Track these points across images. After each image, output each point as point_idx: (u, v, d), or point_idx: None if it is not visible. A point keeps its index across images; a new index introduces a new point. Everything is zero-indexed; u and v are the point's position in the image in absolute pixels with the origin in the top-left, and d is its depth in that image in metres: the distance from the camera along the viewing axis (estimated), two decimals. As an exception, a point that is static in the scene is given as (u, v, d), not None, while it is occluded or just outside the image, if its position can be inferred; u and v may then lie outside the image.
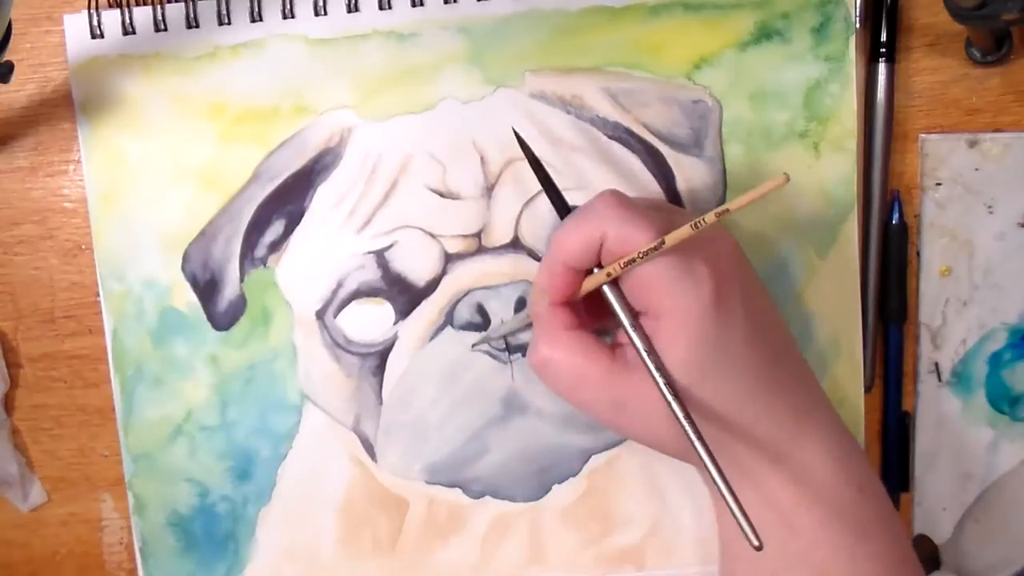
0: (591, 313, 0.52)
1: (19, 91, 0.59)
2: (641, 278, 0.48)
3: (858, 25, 0.57)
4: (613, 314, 0.50)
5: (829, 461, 0.50)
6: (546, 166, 0.53)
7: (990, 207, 0.58)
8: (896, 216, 0.58)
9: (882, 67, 0.57)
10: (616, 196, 0.49)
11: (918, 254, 0.58)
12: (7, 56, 0.52)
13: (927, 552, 0.59)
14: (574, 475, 0.59)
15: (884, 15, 0.57)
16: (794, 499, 0.49)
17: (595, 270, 0.50)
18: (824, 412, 0.51)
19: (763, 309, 0.51)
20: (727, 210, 0.46)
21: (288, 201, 0.58)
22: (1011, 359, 0.58)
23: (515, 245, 0.58)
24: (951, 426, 0.59)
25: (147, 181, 0.58)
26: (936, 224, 0.58)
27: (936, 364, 0.59)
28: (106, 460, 0.61)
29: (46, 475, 0.61)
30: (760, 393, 0.49)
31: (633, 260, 0.48)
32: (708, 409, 0.48)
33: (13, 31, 0.52)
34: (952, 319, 0.58)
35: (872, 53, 0.57)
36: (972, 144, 0.57)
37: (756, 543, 0.44)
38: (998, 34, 0.56)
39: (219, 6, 0.57)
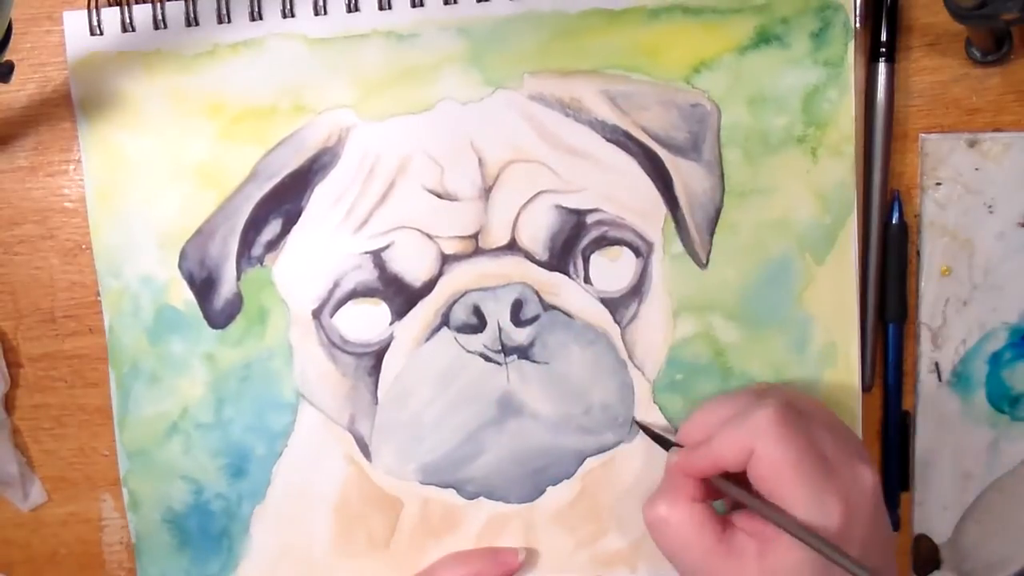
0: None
1: (19, 91, 0.59)
2: (774, 494, 0.48)
3: (858, 25, 0.57)
4: (742, 501, 0.50)
5: None
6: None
7: (990, 207, 0.57)
8: (896, 216, 0.58)
9: (882, 67, 0.57)
10: (778, 411, 0.49)
11: (918, 254, 0.58)
12: (7, 56, 0.53)
13: (927, 552, 0.59)
14: (568, 477, 0.59)
15: (884, 15, 0.57)
16: None
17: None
18: None
19: (881, 533, 0.51)
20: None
21: (286, 200, 0.58)
22: (1011, 359, 0.58)
23: (512, 247, 0.58)
24: (951, 426, 0.58)
25: (145, 178, 0.58)
26: (936, 224, 0.58)
27: (936, 364, 0.58)
28: (106, 460, 0.61)
29: (46, 475, 0.61)
30: None
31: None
32: None
33: (13, 31, 0.52)
34: (952, 319, 0.58)
35: (872, 53, 0.57)
36: (972, 144, 0.57)
37: None
38: (998, 34, 0.56)
39: (219, 4, 0.57)
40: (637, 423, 0.58)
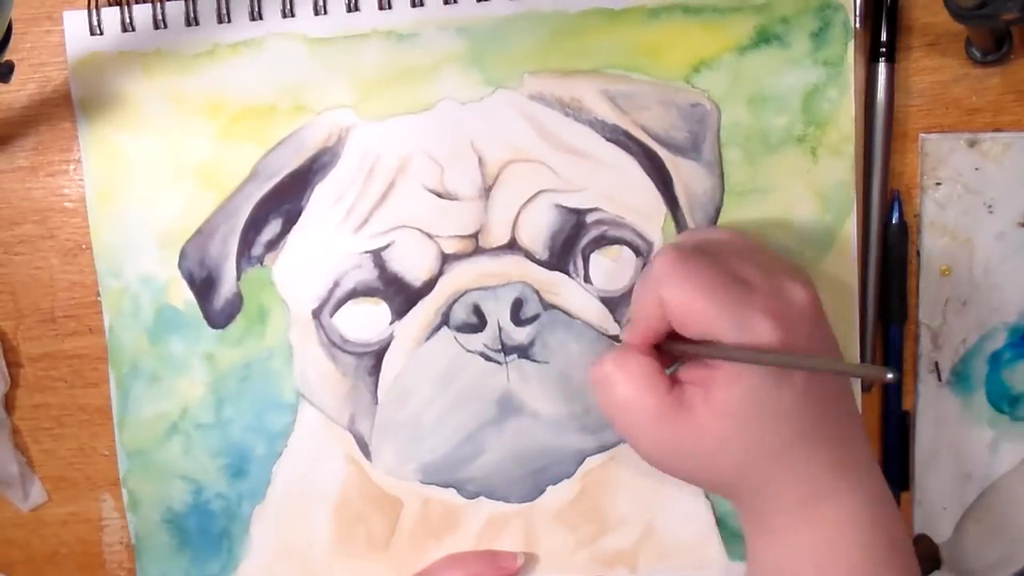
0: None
1: (19, 91, 0.59)
2: (700, 333, 0.48)
3: (858, 25, 0.57)
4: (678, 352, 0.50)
5: (863, 517, 0.49)
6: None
7: (990, 207, 0.57)
8: (896, 216, 0.58)
9: (882, 67, 0.57)
10: (671, 254, 0.49)
11: (918, 254, 0.58)
12: (7, 56, 0.53)
13: (927, 552, 0.59)
14: (568, 476, 0.59)
15: (884, 15, 0.57)
16: (825, 553, 0.49)
17: None
18: (865, 470, 0.51)
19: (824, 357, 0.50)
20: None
21: (285, 200, 0.58)
22: (1011, 359, 0.58)
23: (512, 246, 0.58)
24: (951, 426, 0.58)
25: (145, 178, 0.58)
26: (936, 224, 0.58)
27: (936, 364, 0.58)
28: (106, 460, 0.61)
29: (46, 475, 0.61)
30: (800, 446, 0.49)
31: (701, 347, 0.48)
32: (746, 455, 0.48)
33: (13, 31, 0.52)
34: (952, 319, 0.58)
35: (872, 53, 0.57)
36: (972, 144, 0.57)
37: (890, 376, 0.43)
38: (998, 34, 0.56)
39: (219, 4, 0.57)
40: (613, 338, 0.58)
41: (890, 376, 0.42)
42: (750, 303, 0.47)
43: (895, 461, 0.59)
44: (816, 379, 0.48)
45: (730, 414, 0.48)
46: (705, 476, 0.51)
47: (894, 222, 0.58)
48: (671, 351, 0.51)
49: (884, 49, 0.57)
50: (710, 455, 0.49)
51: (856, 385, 0.57)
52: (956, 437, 0.58)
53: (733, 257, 0.50)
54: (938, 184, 0.58)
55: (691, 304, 0.48)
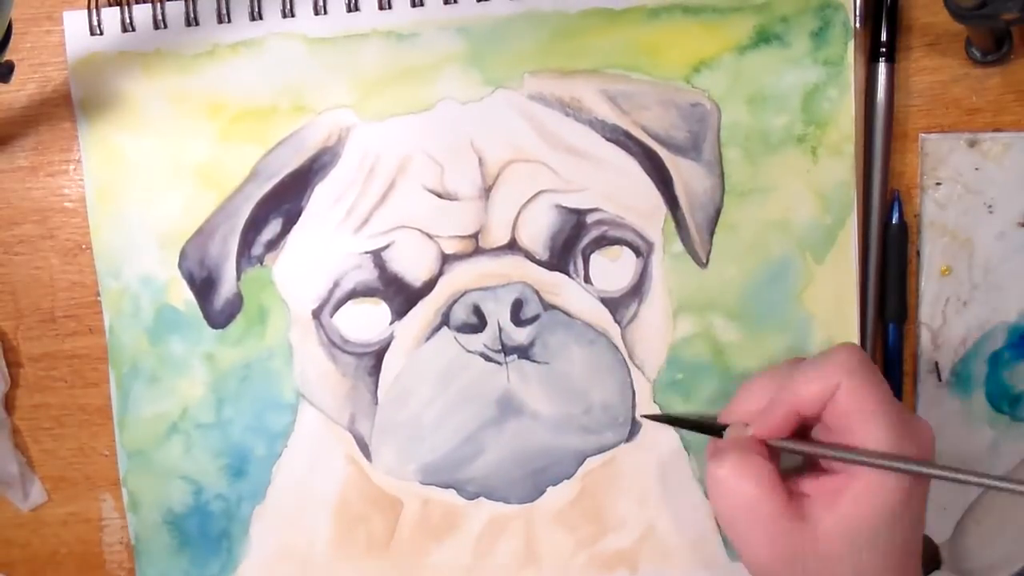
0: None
1: (19, 91, 0.59)
2: (852, 434, 0.48)
3: (858, 25, 0.57)
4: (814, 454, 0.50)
5: None
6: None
7: (990, 207, 0.57)
8: (896, 216, 0.58)
9: (882, 67, 0.57)
10: (859, 350, 0.49)
11: (918, 254, 0.58)
12: (7, 56, 0.53)
13: (927, 552, 0.59)
14: (568, 477, 0.59)
15: (884, 15, 0.57)
16: None
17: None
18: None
19: (923, 509, 0.50)
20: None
21: (286, 200, 0.58)
22: (1011, 359, 0.58)
23: (512, 246, 0.58)
24: (951, 426, 0.58)
25: (145, 178, 0.58)
26: (936, 224, 0.58)
27: (936, 364, 0.58)
28: (106, 460, 0.61)
29: (46, 475, 0.61)
30: (903, 565, 0.49)
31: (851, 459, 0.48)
32: (860, 571, 0.48)
33: (13, 31, 0.52)
34: (952, 319, 0.58)
35: (872, 53, 0.57)
36: (972, 144, 0.57)
37: None
38: (998, 34, 0.56)
39: (219, 4, 0.57)
40: (667, 419, 0.57)
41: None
42: (908, 430, 0.48)
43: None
44: (922, 510, 0.49)
45: (853, 533, 0.48)
46: None
47: (894, 222, 0.58)
48: (789, 449, 0.50)
49: (884, 49, 0.57)
50: (827, 567, 0.48)
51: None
52: (956, 437, 0.58)
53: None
54: (938, 184, 0.57)
55: (868, 403, 0.48)
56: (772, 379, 0.52)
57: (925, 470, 0.46)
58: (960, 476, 0.46)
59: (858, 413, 0.48)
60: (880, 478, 0.47)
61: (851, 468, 0.48)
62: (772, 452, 0.51)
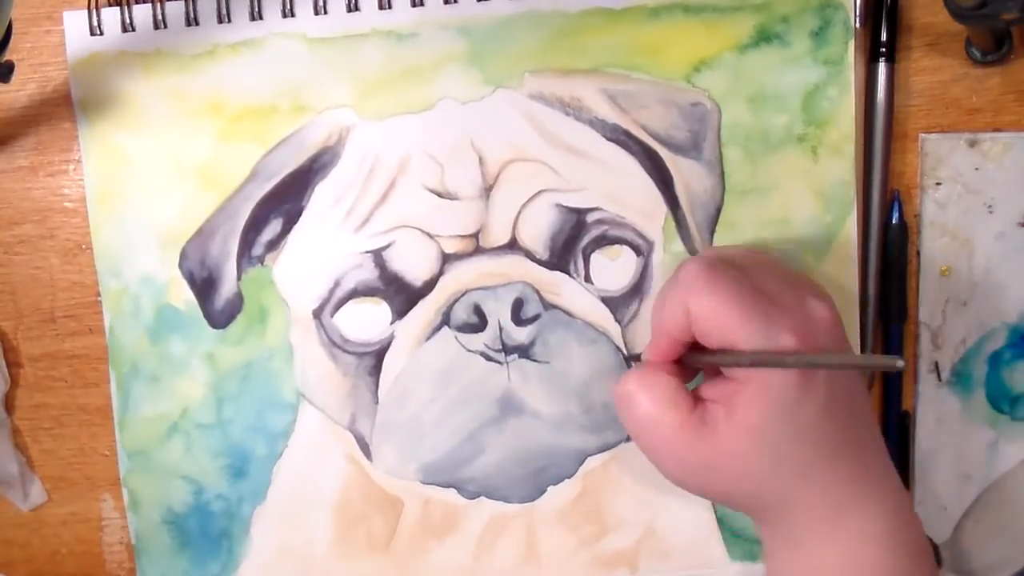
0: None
1: (19, 91, 0.59)
2: (729, 340, 0.48)
3: (858, 25, 0.57)
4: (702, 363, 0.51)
5: (886, 528, 0.49)
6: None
7: (990, 207, 0.57)
8: (896, 216, 0.58)
9: (882, 67, 0.57)
10: (699, 263, 0.49)
11: (918, 254, 0.58)
12: (7, 56, 0.53)
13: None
14: (569, 476, 0.59)
15: (884, 15, 0.57)
16: (849, 565, 0.49)
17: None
18: (886, 480, 0.51)
19: (848, 380, 0.50)
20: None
21: (286, 200, 0.58)
22: (1011, 359, 0.58)
23: (512, 246, 0.58)
24: (951, 426, 0.59)
25: (146, 178, 0.58)
26: (936, 224, 0.58)
27: (936, 364, 0.58)
28: (106, 460, 0.61)
29: (46, 474, 0.61)
30: (824, 459, 0.49)
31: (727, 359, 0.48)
32: (770, 471, 0.49)
33: (13, 31, 0.52)
34: (952, 319, 0.58)
35: (872, 53, 0.57)
36: (972, 144, 0.57)
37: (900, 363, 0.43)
38: (998, 34, 0.56)
39: (219, 4, 0.57)
40: (630, 357, 0.58)
41: (900, 364, 0.42)
42: (775, 315, 0.47)
43: (895, 461, 0.58)
44: (836, 392, 0.49)
45: (754, 431, 0.48)
46: (728, 493, 0.51)
47: (894, 222, 0.58)
48: (693, 363, 0.51)
49: (884, 49, 0.57)
50: (733, 472, 0.49)
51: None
52: (956, 437, 0.59)
53: (756, 271, 0.50)
54: (938, 184, 0.58)
55: (718, 313, 0.48)
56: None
57: (785, 361, 0.47)
58: (807, 360, 0.47)
59: (715, 330, 0.48)
60: (765, 375, 0.47)
61: (742, 371, 0.48)
62: (681, 370, 0.51)
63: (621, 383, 0.51)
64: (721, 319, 0.48)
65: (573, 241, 0.58)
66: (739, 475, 0.49)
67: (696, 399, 0.50)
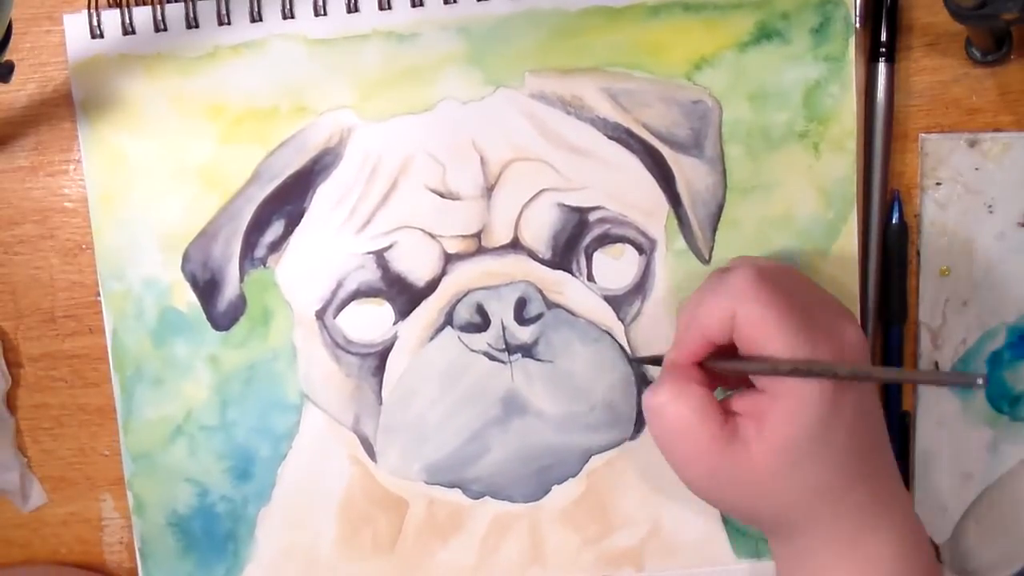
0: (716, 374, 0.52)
1: (19, 91, 0.59)
2: (771, 351, 0.48)
3: (858, 25, 0.57)
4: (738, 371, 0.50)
5: (900, 551, 0.50)
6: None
7: (990, 207, 0.58)
8: (896, 216, 0.58)
9: (882, 67, 0.57)
10: (752, 271, 0.49)
11: (918, 254, 0.58)
12: (7, 56, 0.52)
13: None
14: (574, 475, 0.59)
15: (884, 15, 0.57)
16: None
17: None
18: (900, 503, 0.51)
19: (871, 402, 0.51)
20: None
21: (288, 201, 0.58)
22: (1011, 359, 0.58)
23: (515, 245, 0.58)
24: (951, 426, 0.59)
25: (147, 181, 0.58)
26: (936, 224, 0.58)
27: (936, 364, 0.59)
28: (106, 460, 0.61)
29: (46, 475, 0.61)
30: (847, 480, 0.49)
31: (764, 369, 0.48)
32: (795, 491, 0.49)
33: (13, 31, 0.52)
34: (952, 319, 0.58)
35: (872, 53, 0.57)
36: (972, 144, 0.57)
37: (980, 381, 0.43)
38: (998, 34, 0.56)
39: (219, 6, 0.57)
40: (637, 359, 0.58)
41: (980, 381, 0.42)
42: (817, 336, 0.48)
43: (895, 461, 0.59)
44: (861, 413, 0.49)
45: (785, 450, 0.48)
46: (749, 509, 0.51)
47: (894, 222, 0.58)
48: (726, 369, 0.50)
49: (884, 49, 0.57)
50: (760, 489, 0.49)
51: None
52: (956, 437, 0.59)
53: (797, 288, 0.50)
54: (938, 184, 0.58)
55: (765, 323, 0.47)
56: (704, 288, 0.52)
57: (836, 372, 0.47)
58: (864, 371, 0.47)
59: (759, 338, 0.48)
60: (800, 393, 0.47)
61: (775, 387, 0.48)
62: (707, 377, 0.51)
63: (653, 393, 0.50)
64: (768, 327, 0.47)
65: (575, 240, 0.58)
66: (766, 493, 0.49)
67: (726, 411, 0.49)
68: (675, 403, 0.49)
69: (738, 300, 0.48)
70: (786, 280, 0.50)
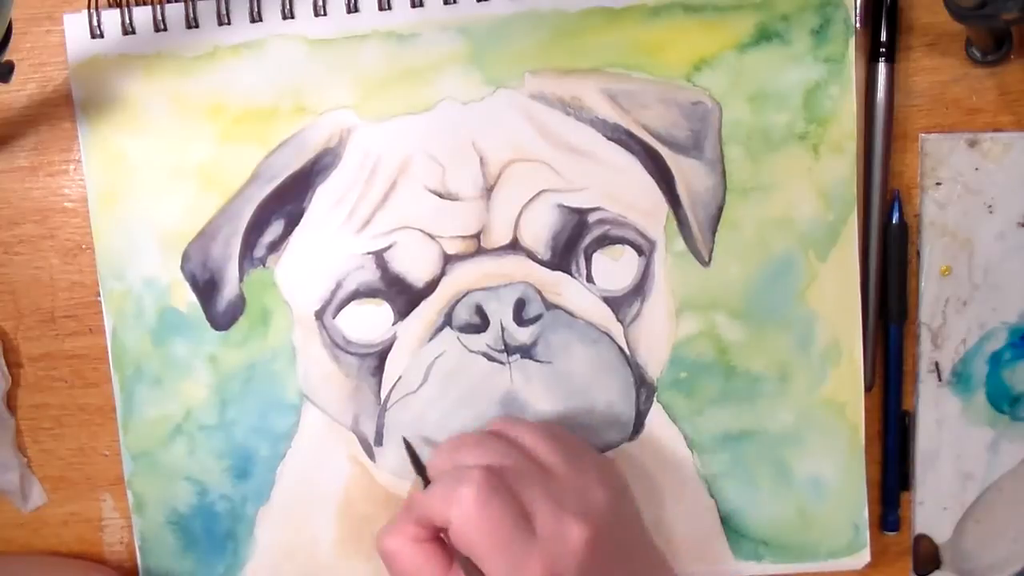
0: None
1: (19, 91, 0.59)
2: (474, 558, 0.49)
3: (858, 25, 0.57)
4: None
5: None
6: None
7: (990, 207, 0.58)
8: (896, 216, 0.58)
9: (882, 67, 0.57)
10: (474, 490, 0.49)
11: (918, 254, 0.58)
12: (7, 56, 0.53)
13: (927, 552, 0.59)
14: (573, 476, 0.59)
15: (884, 15, 0.57)
16: None
17: None
18: None
19: (638, 545, 0.52)
20: None
21: (287, 201, 0.58)
22: (1011, 359, 0.58)
23: (514, 246, 0.58)
24: (951, 426, 0.59)
25: (147, 181, 0.58)
26: (936, 224, 0.58)
27: (936, 364, 0.59)
28: (106, 459, 0.61)
29: (46, 475, 0.61)
30: None
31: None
32: None
33: (13, 31, 0.52)
34: (952, 319, 0.58)
35: (872, 53, 0.57)
36: (972, 144, 0.57)
37: None
38: (998, 34, 0.56)
39: (219, 6, 0.57)
40: (405, 441, 0.57)
41: None
42: (528, 549, 0.48)
43: (895, 461, 0.59)
44: (628, 561, 0.50)
45: None
46: None
47: (894, 222, 0.58)
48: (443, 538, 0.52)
49: (884, 49, 0.57)
50: None
51: (858, 387, 0.58)
52: (956, 437, 0.59)
53: (531, 488, 0.50)
54: (938, 184, 0.58)
55: (476, 544, 0.49)
56: (470, 448, 0.53)
57: None
58: None
59: (470, 549, 0.49)
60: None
61: None
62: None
63: (381, 537, 0.51)
64: (477, 548, 0.48)
65: (574, 241, 0.58)
66: None
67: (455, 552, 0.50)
68: (399, 553, 0.51)
69: (456, 515, 0.49)
70: (524, 473, 0.51)
